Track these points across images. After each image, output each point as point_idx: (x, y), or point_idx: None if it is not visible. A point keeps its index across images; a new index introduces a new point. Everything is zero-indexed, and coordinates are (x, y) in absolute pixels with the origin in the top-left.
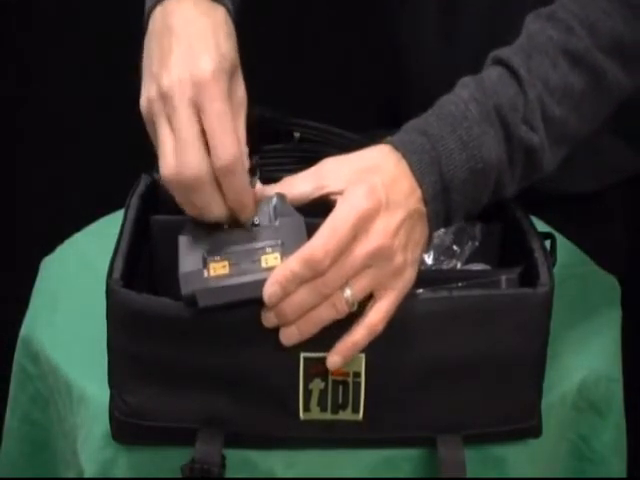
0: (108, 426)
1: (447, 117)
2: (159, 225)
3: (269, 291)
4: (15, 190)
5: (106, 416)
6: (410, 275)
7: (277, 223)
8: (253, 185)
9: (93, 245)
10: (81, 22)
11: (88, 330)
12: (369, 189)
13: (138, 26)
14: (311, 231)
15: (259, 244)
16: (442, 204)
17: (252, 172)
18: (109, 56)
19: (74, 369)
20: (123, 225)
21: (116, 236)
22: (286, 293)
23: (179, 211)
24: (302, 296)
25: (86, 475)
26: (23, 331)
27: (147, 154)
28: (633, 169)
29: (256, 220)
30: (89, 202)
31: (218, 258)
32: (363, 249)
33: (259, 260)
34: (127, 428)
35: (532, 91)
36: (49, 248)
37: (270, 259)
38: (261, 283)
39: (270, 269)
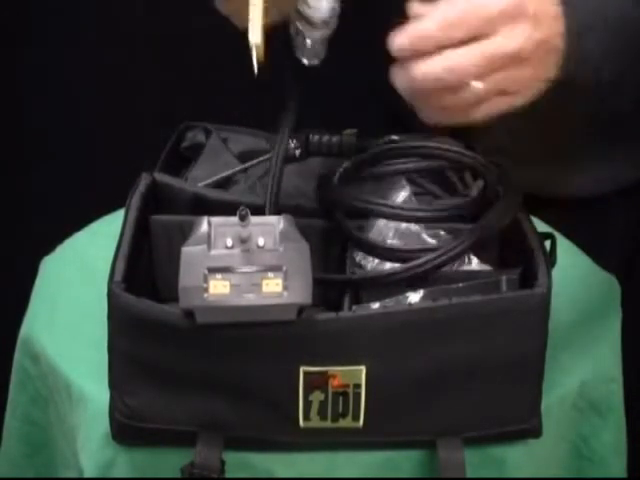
0: (108, 426)
1: None
2: (159, 225)
3: (397, 42)
4: (15, 190)
5: (106, 416)
6: (524, 102)
7: (282, 248)
8: None
9: (93, 245)
10: (81, 22)
11: (88, 330)
12: None
13: (138, 27)
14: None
15: (262, 267)
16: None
17: None
18: (110, 56)
19: (74, 369)
20: (124, 226)
21: (116, 236)
22: (415, 52)
23: (179, 211)
24: (434, 66)
25: (86, 475)
26: (23, 331)
27: (147, 154)
28: (634, 179)
29: (260, 242)
30: (89, 202)
31: (219, 277)
32: (505, 46)
33: (260, 284)
34: (127, 430)
35: None
36: (49, 248)
37: (271, 284)
38: (260, 308)
39: (271, 295)
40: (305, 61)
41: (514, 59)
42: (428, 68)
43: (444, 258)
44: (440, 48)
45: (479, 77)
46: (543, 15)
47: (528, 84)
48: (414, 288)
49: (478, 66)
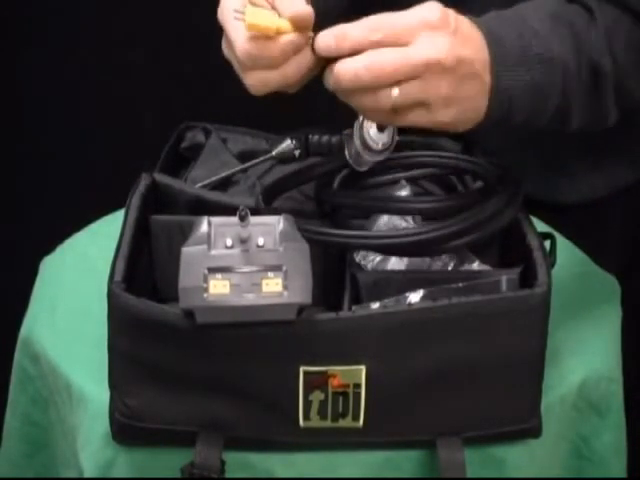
0: (108, 426)
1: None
2: (159, 225)
3: (322, 40)
4: (15, 190)
5: (106, 416)
6: (447, 120)
7: (282, 248)
8: None
9: (93, 245)
10: (81, 22)
11: (88, 330)
12: (443, 10)
13: (138, 27)
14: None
15: (261, 267)
16: (507, 83)
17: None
18: (110, 56)
19: (74, 369)
20: (124, 226)
21: (116, 236)
22: (339, 50)
23: (179, 212)
24: (354, 62)
25: (86, 475)
26: (23, 331)
27: (147, 154)
28: (632, 182)
29: (260, 242)
30: (89, 202)
31: (219, 277)
32: (424, 53)
33: (260, 284)
34: (127, 430)
35: (601, 21)
36: (49, 248)
37: (271, 284)
38: (260, 308)
39: (271, 294)
40: (355, 166)
41: (433, 68)
42: (348, 65)
43: (436, 234)
44: (362, 49)
45: (396, 82)
46: (467, 36)
47: (446, 100)
48: (414, 288)
49: (395, 66)
